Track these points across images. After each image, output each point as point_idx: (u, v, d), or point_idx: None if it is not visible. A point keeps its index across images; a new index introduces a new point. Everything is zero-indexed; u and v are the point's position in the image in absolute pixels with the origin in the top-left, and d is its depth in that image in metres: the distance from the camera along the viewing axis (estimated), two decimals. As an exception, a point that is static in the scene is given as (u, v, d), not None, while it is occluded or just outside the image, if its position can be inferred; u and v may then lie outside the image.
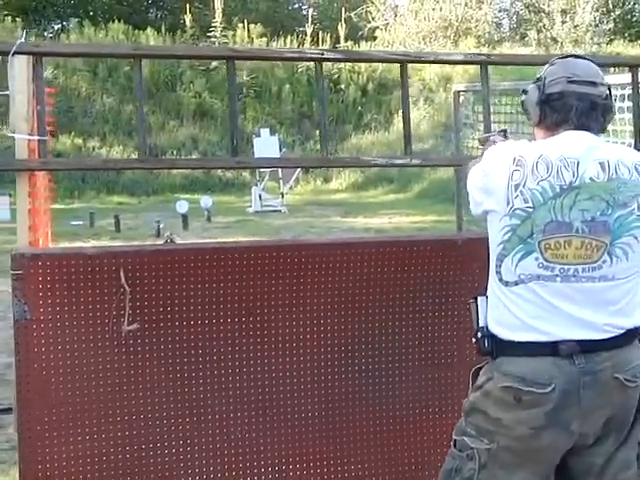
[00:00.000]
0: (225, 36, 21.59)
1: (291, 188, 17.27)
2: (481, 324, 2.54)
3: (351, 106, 21.11)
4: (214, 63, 20.57)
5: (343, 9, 23.25)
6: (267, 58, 3.16)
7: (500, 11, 28.16)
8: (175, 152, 18.95)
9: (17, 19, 22.00)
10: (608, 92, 2.56)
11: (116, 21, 22.25)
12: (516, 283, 2.45)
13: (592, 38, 24.27)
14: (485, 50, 21.65)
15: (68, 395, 3.03)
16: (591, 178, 2.44)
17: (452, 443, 2.60)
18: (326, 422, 3.28)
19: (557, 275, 2.43)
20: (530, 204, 2.42)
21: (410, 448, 3.39)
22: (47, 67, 19.87)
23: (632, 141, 3.87)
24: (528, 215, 2.42)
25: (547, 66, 2.60)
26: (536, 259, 2.43)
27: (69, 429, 3.03)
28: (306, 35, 22.30)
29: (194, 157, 17.79)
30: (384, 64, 16.80)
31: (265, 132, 15.67)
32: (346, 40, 22.18)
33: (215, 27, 21.46)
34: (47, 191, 4.37)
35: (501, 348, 2.48)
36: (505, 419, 2.46)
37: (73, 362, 3.02)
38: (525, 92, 2.63)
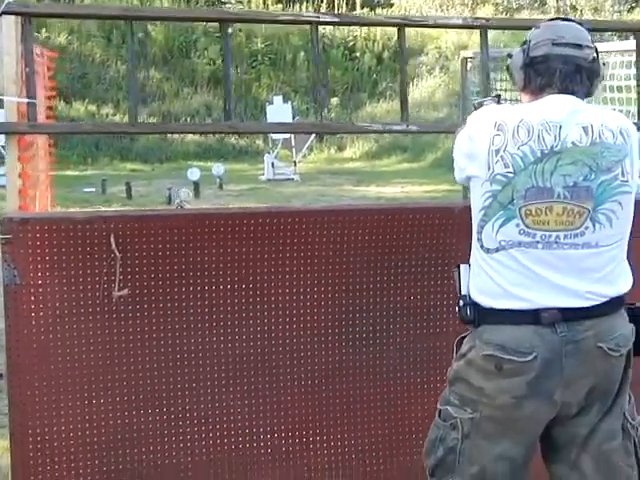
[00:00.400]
0: (240, 2, 21.45)
1: (304, 156, 17.23)
2: (463, 292, 2.50)
3: (366, 74, 21.00)
4: (229, 30, 20.42)
5: (359, -25, 23.04)
6: (261, 21, 3.10)
7: (519, -22, 27.77)
8: (189, 119, 18.92)
9: (31, -16, 21.88)
10: (595, 55, 2.50)
11: (130, -14, 22.10)
12: (497, 250, 2.41)
13: (612, 6, 23.96)
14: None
15: (58, 360, 3.01)
16: (573, 142, 2.37)
17: (437, 413, 2.57)
18: (319, 391, 3.25)
19: (538, 242, 2.38)
20: (510, 169, 2.37)
21: (404, 417, 3.37)
22: (61, 33, 19.88)
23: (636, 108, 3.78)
24: (508, 181, 2.37)
25: (533, 29, 2.54)
26: (517, 225, 2.38)
27: (59, 394, 3.02)
28: (322, 2, 22.12)
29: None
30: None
31: (278, 99, 15.64)
32: (362, 7, 22.01)
33: (230, -7, 21.33)
34: (47, 156, 4.35)
35: (483, 316, 2.44)
36: (487, 388, 2.42)
37: (63, 327, 3.00)
38: (510, 56, 2.56)
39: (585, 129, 2.39)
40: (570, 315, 2.38)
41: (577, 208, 2.36)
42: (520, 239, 2.38)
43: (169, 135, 16.68)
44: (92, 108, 19.08)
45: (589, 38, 2.51)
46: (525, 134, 2.36)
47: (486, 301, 2.44)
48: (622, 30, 3.37)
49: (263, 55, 20.53)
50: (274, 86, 20.06)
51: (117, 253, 2.97)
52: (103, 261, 2.99)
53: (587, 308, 2.40)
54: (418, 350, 3.35)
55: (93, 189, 14.04)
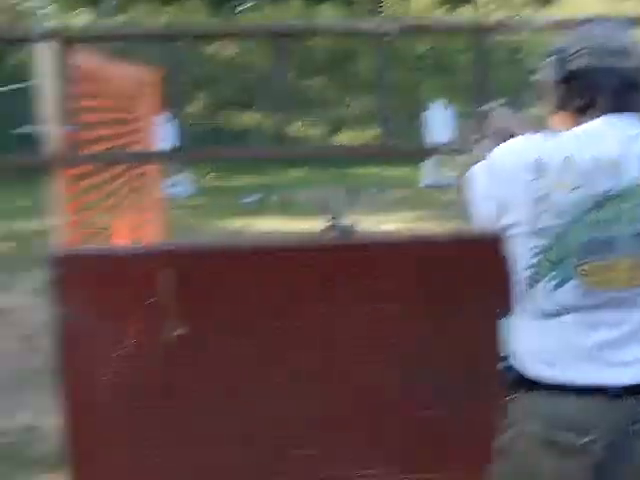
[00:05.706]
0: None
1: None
2: (505, 353, 2.09)
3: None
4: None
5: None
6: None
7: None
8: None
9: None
10: None
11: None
12: (552, 315, 1.98)
13: None
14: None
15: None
16: (637, 181, 1.91)
17: None
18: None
19: (599, 305, 1.95)
20: (561, 220, 1.92)
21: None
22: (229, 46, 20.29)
23: None
24: (559, 234, 1.93)
25: (564, 36, 2.05)
26: (575, 287, 1.94)
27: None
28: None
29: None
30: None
31: (437, 105, 15.29)
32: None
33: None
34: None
35: (532, 383, 2.01)
36: (545, 469, 1.97)
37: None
38: (537, 71, 2.08)
39: None
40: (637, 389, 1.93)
41: None
42: (579, 303, 1.95)
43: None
44: (257, 117, 19.45)
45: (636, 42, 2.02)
46: (574, 176, 1.92)
47: (536, 368, 2.01)
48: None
49: (425, 59, 20.21)
50: (436, 90, 19.68)
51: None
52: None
53: None
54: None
55: (250, 199, 14.12)
